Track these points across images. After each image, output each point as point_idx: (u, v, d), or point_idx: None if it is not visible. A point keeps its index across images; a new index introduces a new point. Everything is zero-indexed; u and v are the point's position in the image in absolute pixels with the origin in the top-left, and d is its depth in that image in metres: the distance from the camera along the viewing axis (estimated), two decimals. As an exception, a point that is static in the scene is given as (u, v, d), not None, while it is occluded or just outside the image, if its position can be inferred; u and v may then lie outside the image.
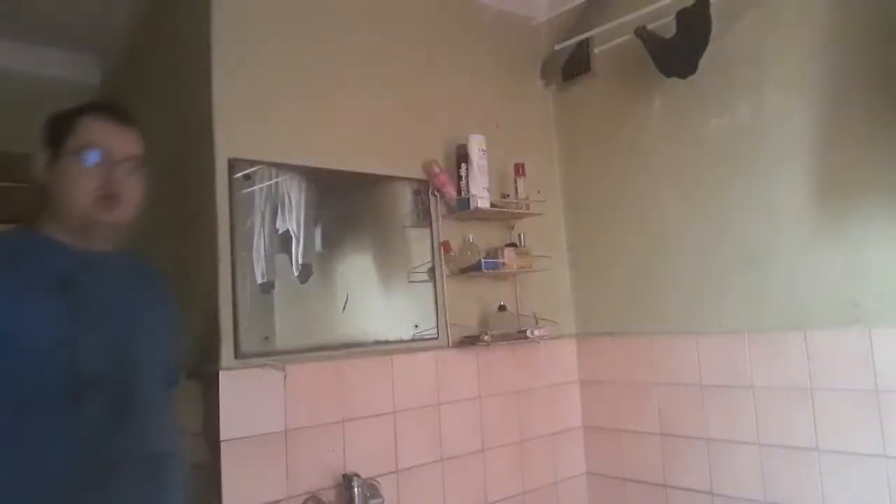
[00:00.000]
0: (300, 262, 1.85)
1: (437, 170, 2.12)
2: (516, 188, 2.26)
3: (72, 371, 1.17)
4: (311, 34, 1.96)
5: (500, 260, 2.18)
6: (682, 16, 1.94)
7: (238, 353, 1.69)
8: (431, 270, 2.14)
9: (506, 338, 2.18)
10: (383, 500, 1.79)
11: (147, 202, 1.35)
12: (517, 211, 2.27)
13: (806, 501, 1.83)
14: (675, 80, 2.05)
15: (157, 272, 1.50)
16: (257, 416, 1.69)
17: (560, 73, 2.54)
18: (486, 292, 2.26)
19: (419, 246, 2.13)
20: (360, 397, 1.89)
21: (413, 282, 2.10)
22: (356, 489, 1.73)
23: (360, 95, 2.04)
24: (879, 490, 1.69)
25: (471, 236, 2.19)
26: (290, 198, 1.85)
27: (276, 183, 1.83)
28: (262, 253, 1.78)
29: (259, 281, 1.76)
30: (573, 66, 2.49)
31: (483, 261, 2.13)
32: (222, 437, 1.62)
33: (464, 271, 2.15)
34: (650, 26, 2.05)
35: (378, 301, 2.01)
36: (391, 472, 1.93)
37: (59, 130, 1.26)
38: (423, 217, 2.16)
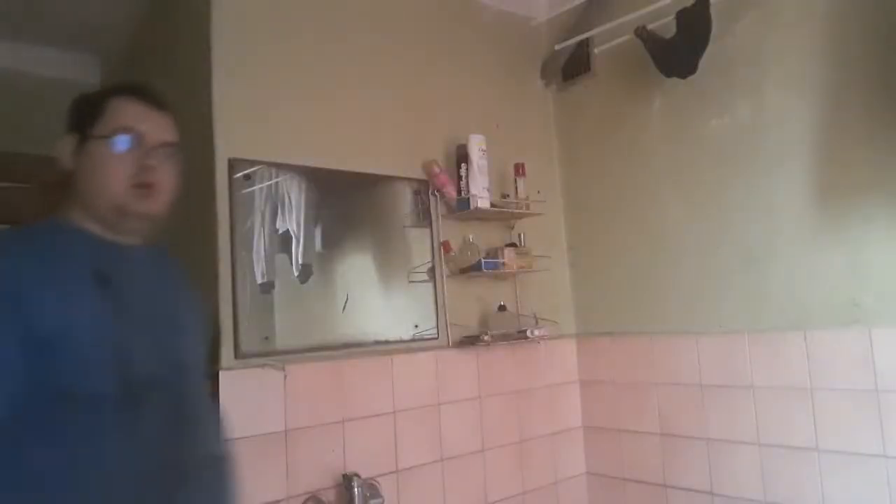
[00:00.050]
0: (300, 262, 1.85)
1: (437, 170, 2.12)
2: (516, 188, 2.26)
3: (124, 372, 1.08)
4: (311, 34, 1.96)
5: (500, 260, 2.19)
6: (682, 16, 1.94)
7: (238, 353, 1.69)
8: (431, 270, 2.14)
9: (506, 338, 2.18)
10: (383, 500, 1.79)
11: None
12: (517, 211, 2.27)
13: (806, 501, 1.83)
14: (675, 80, 2.05)
15: (182, 267, 1.41)
16: (257, 416, 1.69)
17: (560, 73, 2.54)
18: (486, 292, 2.26)
19: (419, 246, 2.13)
20: (360, 397, 1.89)
21: (413, 282, 2.10)
22: (356, 489, 1.73)
23: (360, 95, 2.04)
24: (879, 490, 1.69)
25: (471, 236, 2.19)
26: (290, 198, 1.85)
27: (276, 183, 1.83)
28: (262, 253, 1.78)
29: (259, 281, 1.76)
30: (573, 66, 2.49)
31: (483, 261, 2.13)
32: (222, 437, 1.62)
33: (464, 271, 2.15)
34: (650, 26, 2.05)
35: (378, 301, 2.01)
36: (391, 472, 1.93)
37: (88, 113, 1.16)
38: (423, 217, 2.16)
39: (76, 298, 1.07)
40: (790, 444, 1.87)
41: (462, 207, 2.12)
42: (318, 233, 1.90)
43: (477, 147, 2.12)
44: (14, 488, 1.00)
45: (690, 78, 2.00)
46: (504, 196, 2.27)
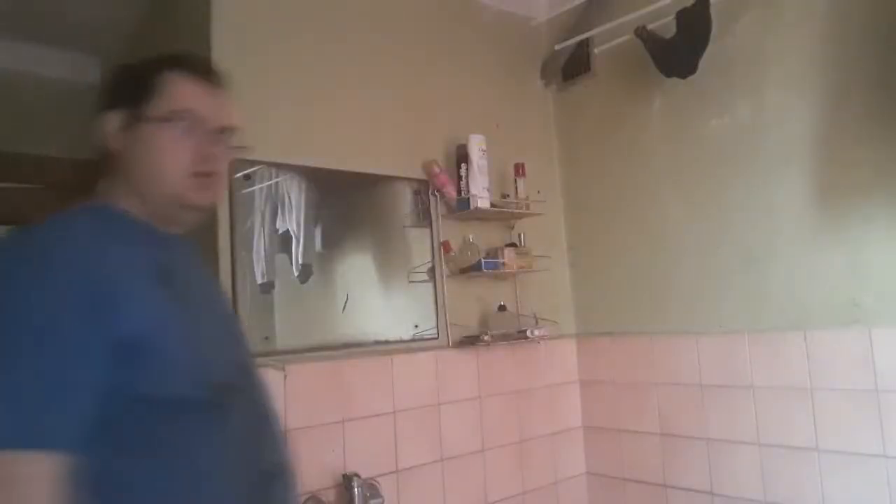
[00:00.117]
0: (300, 262, 1.85)
1: (437, 170, 2.12)
2: (516, 188, 2.26)
3: (206, 373, 0.98)
4: (311, 34, 1.96)
5: (500, 260, 2.18)
6: (682, 16, 1.94)
7: (238, 353, 1.68)
8: (431, 270, 2.14)
9: (506, 338, 2.18)
10: (383, 500, 1.79)
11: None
12: (517, 211, 2.27)
13: (806, 501, 1.83)
14: (675, 80, 2.05)
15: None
16: (257, 416, 1.69)
17: (560, 73, 2.54)
18: (486, 292, 2.26)
19: (419, 246, 2.13)
20: (360, 397, 1.89)
21: (413, 282, 2.10)
22: (356, 489, 1.73)
23: (360, 95, 2.04)
24: (879, 490, 1.69)
25: (471, 236, 2.19)
26: (290, 198, 1.85)
27: (276, 183, 1.83)
28: (262, 253, 1.78)
29: (259, 281, 1.76)
30: (573, 66, 2.49)
31: (483, 261, 2.13)
32: (222, 437, 1.61)
33: (464, 271, 2.15)
34: (650, 26, 2.05)
35: (378, 301, 2.01)
36: (391, 472, 1.93)
37: (138, 88, 1.02)
38: (423, 217, 2.16)
39: (154, 294, 0.95)
40: (790, 444, 1.87)
41: (462, 207, 2.12)
42: (318, 233, 1.90)
43: (477, 147, 2.12)
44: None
45: (690, 78, 2.00)
46: (504, 196, 2.27)
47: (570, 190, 2.56)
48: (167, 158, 1.01)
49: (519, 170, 2.26)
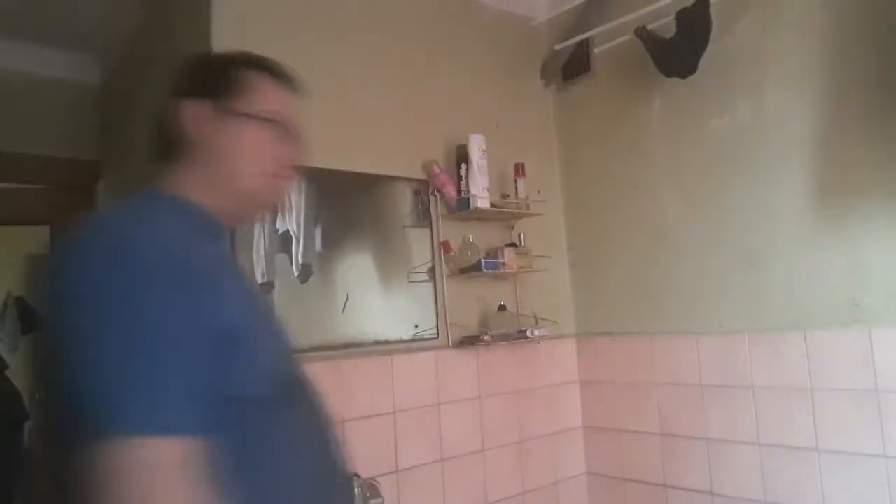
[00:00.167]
0: (300, 262, 1.85)
1: (437, 170, 2.12)
2: (516, 188, 2.26)
3: (281, 370, 0.97)
4: (311, 34, 1.96)
5: (500, 260, 2.18)
6: (682, 16, 1.94)
7: (238, 353, 1.68)
8: (431, 270, 2.14)
9: (506, 338, 2.18)
10: (383, 500, 1.79)
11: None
12: (517, 211, 2.27)
13: (806, 501, 1.83)
14: (675, 80, 2.05)
15: None
16: (257, 416, 1.69)
17: (560, 73, 2.54)
18: (486, 292, 2.26)
19: (419, 246, 2.13)
20: (360, 397, 1.89)
21: (413, 282, 2.10)
22: (356, 489, 1.72)
23: (360, 95, 2.04)
24: (879, 490, 1.69)
25: (471, 236, 2.19)
26: (290, 198, 1.85)
27: (276, 183, 1.83)
28: (262, 253, 1.78)
29: (259, 281, 1.76)
30: (573, 66, 2.49)
31: (483, 261, 2.13)
32: (222, 437, 1.61)
33: (464, 271, 2.15)
34: (650, 26, 2.05)
35: (378, 301, 2.01)
36: (391, 472, 1.93)
37: (224, 82, 1.02)
38: (423, 217, 2.16)
39: (238, 285, 0.95)
40: (790, 444, 1.87)
41: (462, 207, 2.12)
42: (318, 233, 1.90)
43: (477, 147, 2.12)
44: None
45: (690, 78, 2.00)
46: (504, 196, 2.27)
47: (570, 190, 2.56)
48: (255, 156, 1.01)
49: (519, 170, 2.26)
